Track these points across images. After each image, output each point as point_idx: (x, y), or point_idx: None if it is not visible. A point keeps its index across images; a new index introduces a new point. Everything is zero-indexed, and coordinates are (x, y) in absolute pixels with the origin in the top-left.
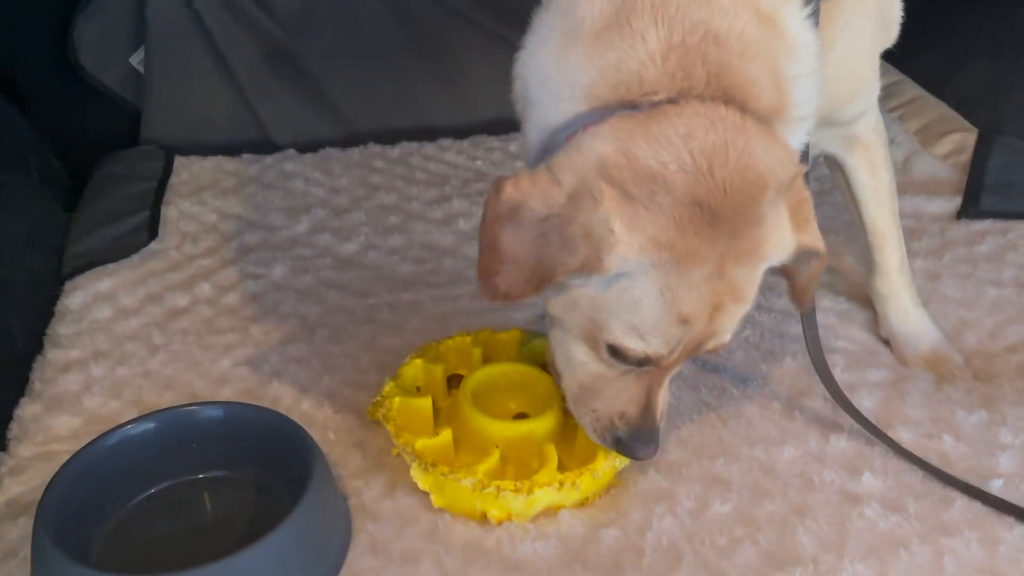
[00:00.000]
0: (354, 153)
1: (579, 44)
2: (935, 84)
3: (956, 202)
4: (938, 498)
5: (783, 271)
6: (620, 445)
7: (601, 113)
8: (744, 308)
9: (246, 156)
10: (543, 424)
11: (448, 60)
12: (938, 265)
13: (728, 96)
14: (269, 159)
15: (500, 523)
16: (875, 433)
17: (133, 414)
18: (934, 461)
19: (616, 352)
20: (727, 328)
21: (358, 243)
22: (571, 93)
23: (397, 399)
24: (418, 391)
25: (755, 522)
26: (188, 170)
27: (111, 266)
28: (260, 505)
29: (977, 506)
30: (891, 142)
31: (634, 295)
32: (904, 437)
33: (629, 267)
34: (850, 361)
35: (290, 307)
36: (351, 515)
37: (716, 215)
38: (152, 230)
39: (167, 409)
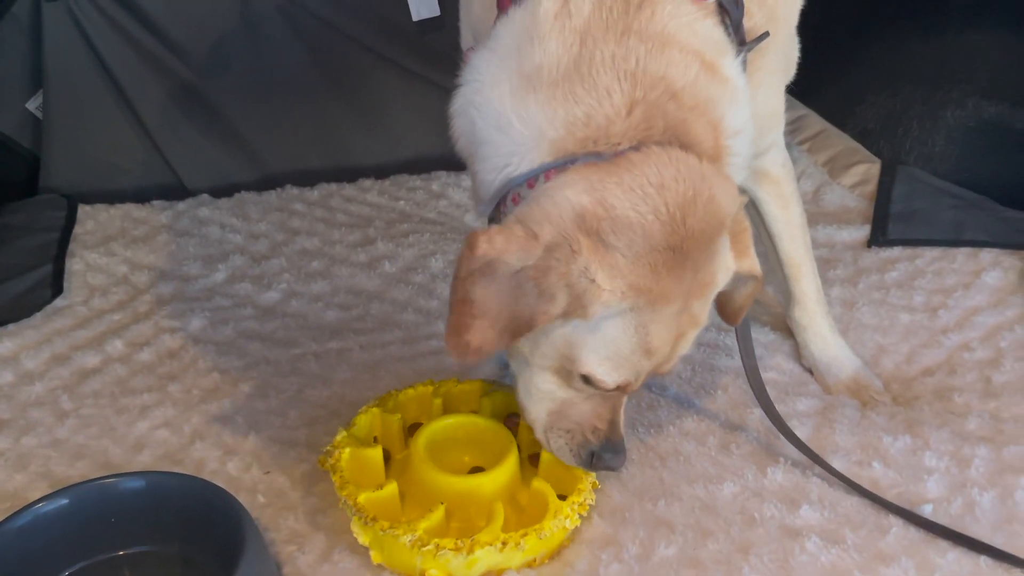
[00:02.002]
0: (271, 196)
1: (538, 91)
2: (837, 118)
3: (866, 231)
4: (874, 527)
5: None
6: (595, 458)
7: (564, 161)
8: (698, 331)
9: (156, 203)
10: (492, 479)
11: (365, 98)
12: (853, 293)
13: (681, 143)
14: (181, 205)
15: None
16: (815, 459)
17: (41, 488)
18: (867, 488)
19: (589, 381)
20: (684, 351)
21: (280, 291)
22: (536, 144)
23: (347, 449)
24: (376, 441)
25: (701, 563)
26: (94, 219)
27: (12, 327)
28: None
29: (912, 532)
30: (801, 174)
31: (611, 334)
32: (836, 465)
33: (610, 311)
34: (780, 391)
35: (210, 362)
36: None
37: (685, 256)
38: (56, 285)
39: (83, 483)
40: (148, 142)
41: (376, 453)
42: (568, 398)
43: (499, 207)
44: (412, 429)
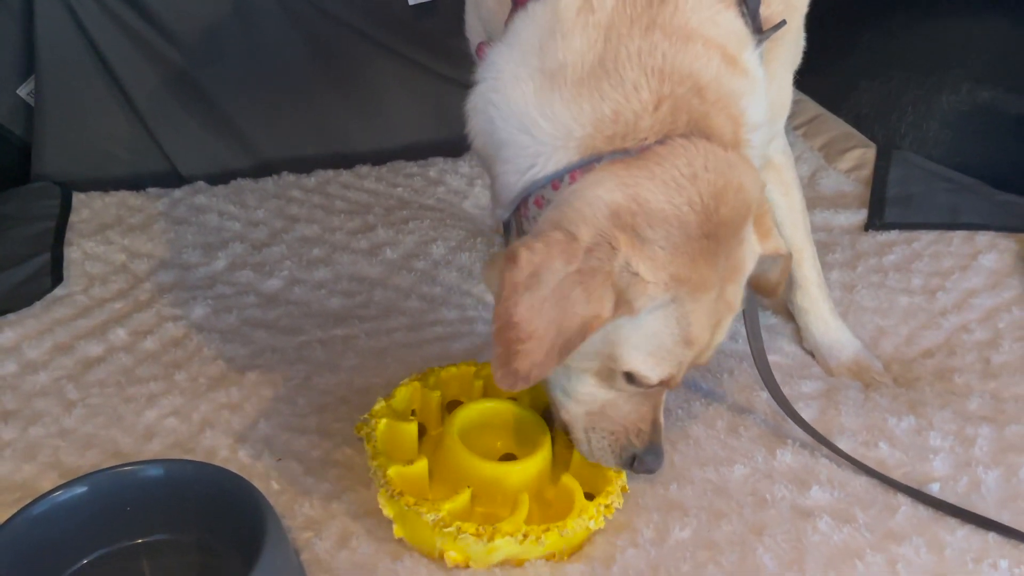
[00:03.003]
0: (268, 183)
1: (564, 89)
2: (832, 103)
3: (862, 215)
4: (883, 506)
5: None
6: (636, 461)
7: (590, 159)
8: (733, 316)
9: (152, 190)
10: (521, 469)
11: (361, 84)
12: (852, 276)
13: (704, 136)
14: (178, 192)
15: (456, 566)
16: (823, 442)
17: (51, 478)
18: (874, 468)
19: (633, 379)
20: (721, 339)
21: (282, 278)
22: (564, 143)
23: (384, 421)
24: (413, 415)
25: (716, 545)
26: (89, 207)
27: (12, 316)
28: (206, 569)
29: (920, 511)
30: (797, 159)
31: (653, 327)
32: (843, 446)
33: (654, 303)
34: (784, 374)
35: (215, 350)
36: (306, 571)
37: (719, 244)
38: (55, 274)
39: (100, 471)
40: (142, 129)
41: (411, 428)
42: (610, 399)
43: (519, 211)
44: (451, 407)
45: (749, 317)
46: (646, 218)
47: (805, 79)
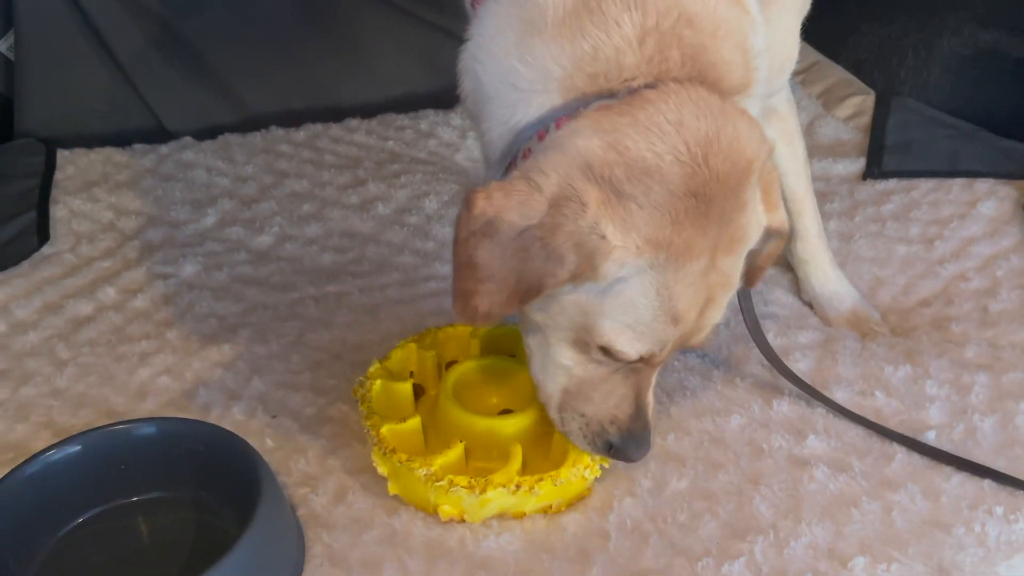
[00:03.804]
0: (256, 138)
1: (544, 33)
2: (831, 49)
3: (861, 163)
4: (879, 454)
5: None
6: (613, 451)
7: (576, 105)
8: (730, 295)
9: (138, 146)
10: (513, 422)
11: (349, 35)
12: (850, 226)
13: (702, 76)
14: (164, 148)
15: (451, 520)
16: (814, 395)
17: (45, 437)
18: (870, 417)
19: (608, 353)
20: (716, 319)
21: (272, 234)
22: (543, 86)
23: (379, 381)
24: (411, 376)
25: (713, 495)
26: (74, 164)
27: None
28: (202, 526)
29: (916, 458)
30: (796, 107)
31: (629, 297)
32: (839, 396)
33: (625, 271)
34: (781, 325)
35: (207, 307)
36: (302, 526)
37: (709, 203)
38: (42, 233)
39: (93, 430)
40: (125, 84)
41: (406, 387)
42: (588, 375)
43: (510, 168)
44: (450, 367)
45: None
46: (625, 169)
47: (803, 25)
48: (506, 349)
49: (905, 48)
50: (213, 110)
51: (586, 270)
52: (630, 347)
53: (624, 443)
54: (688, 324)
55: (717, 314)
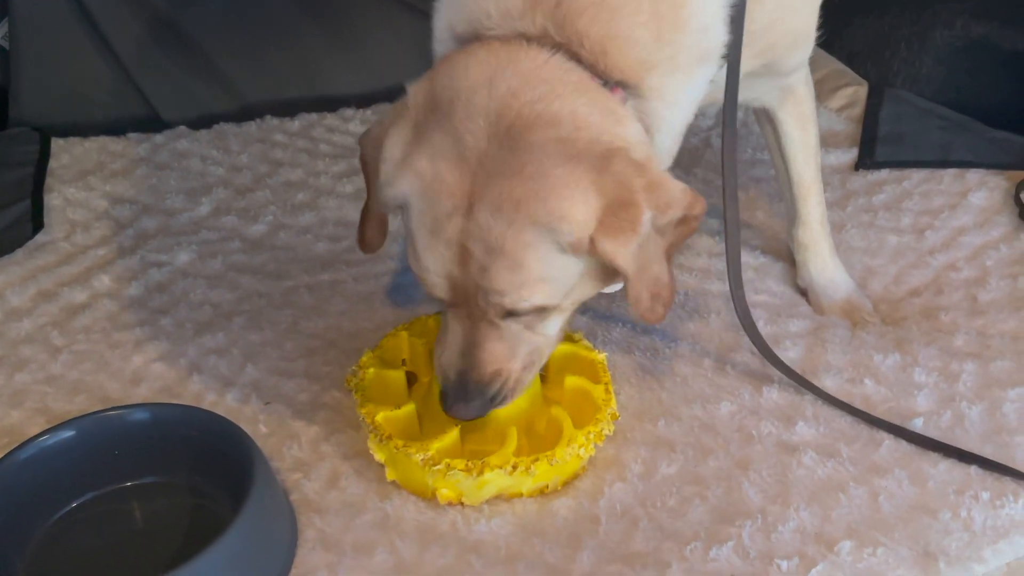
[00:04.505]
0: (251, 128)
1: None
2: (826, 40)
3: (853, 153)
4: (867, 440)
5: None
6: (441, 396)
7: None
8: (514, 273)
9: (132, 135)
10: (507, 407)
11: (345, 25)
12: (842, 216)
13: (575, 43)
14: (159, 137)
15: (450, 503)
16: (803, 384)
17: (39, 423)
18: (859, 405)
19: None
20: (489, 282)
21: (267, 223)
22: (447, 45)
23: (372, 369)
24: (404, 364)
25: (702, 480)
26: (69, 153)
27: None
28: (196, 511)
29: (904, 445)
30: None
31: (408, 224)
32: (828, 384)
33: (404, 194)
34: (772, 313)
35: (201, 295)
36: (295, 511)
37: (484, 157)
38: (36, 221)
39: (87, 415)
40: (121, 73)
41: (399, 375)
42: (446, 320)
43: None
44: None
45: (731, 262)
46: (425, 104)
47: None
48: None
49: (898, 40)
50: (208, 99)
51: (376, 187)
52: (418, 274)
53: (444, 392)
54: (435, 270)
55: (486, 277)
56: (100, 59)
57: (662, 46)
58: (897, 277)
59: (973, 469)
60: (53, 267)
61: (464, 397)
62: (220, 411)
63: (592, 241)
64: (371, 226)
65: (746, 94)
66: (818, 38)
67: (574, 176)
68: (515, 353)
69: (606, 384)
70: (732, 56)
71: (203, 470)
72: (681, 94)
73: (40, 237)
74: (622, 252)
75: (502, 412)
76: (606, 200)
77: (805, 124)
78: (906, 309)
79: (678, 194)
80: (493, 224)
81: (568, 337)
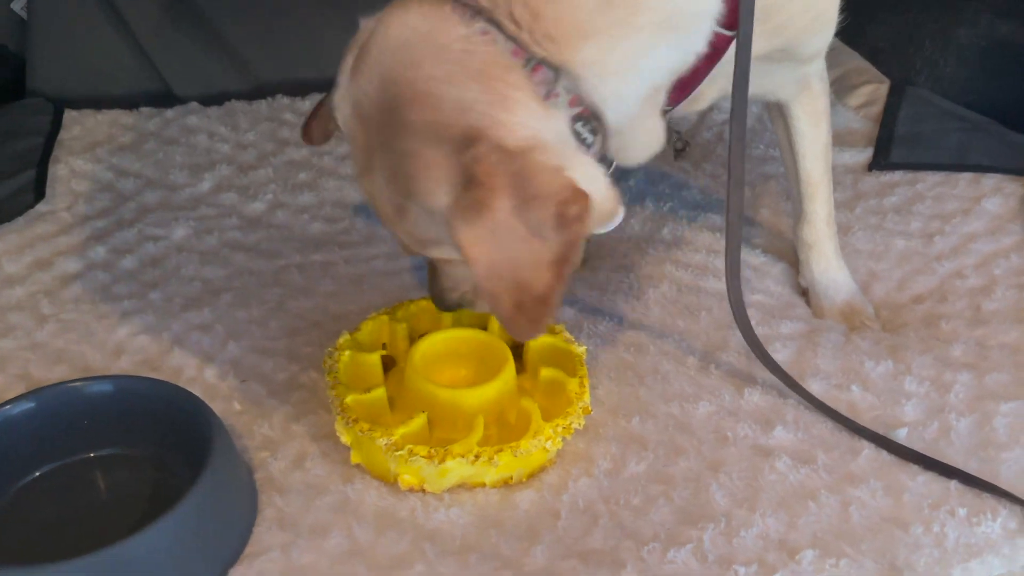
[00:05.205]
0: (262, 106)
1: None
2: (849, 36)
3: (868, 153)
4: (847, 449)
5: None
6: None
7: None
8: (411, 236)
9: (145, 110)
10: (476, 394)
11: (358, 8)
12: (850, 217)
13: (503, 7)
14: (170, 112)
15: (411, 489)
16: (787, 382)
17: (19, 389)
18: (844, 411)
19: None
20: (401, 242)
21: (266, 201)
22: None
23: (347, 352)
24: (384, 348)
25: (670, 479)
26: (80, 124)
27: None
28: (158, 483)
29: (884, 455)
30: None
31: None
32: (815, 388)
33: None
34: (765, 314)
35: (193, 270)
36: (257, 489)
37: (371, 121)
38: (39, 190)
39: (50, 386)
40: (136, 48)
41: (374, 358)
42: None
43: None
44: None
45: (730, 254)
46: (354, 57)
47: None
48: (478, 322)
49: (922, 37)
50: (221, 77)
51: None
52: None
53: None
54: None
55: (395, 235)
56: (116, 33)
57: (610, 7)
58: (901, 282)
59: (953, 484)
60: (51, 236)
61: (440, 303)
62: (197, 387)
63: (448, 222)
64: (320, 122)
65: (760, 85)
66: (840, 22)
67: (436, 158)
68: (458, 287)
69: (581, 378)
70: (742, 31)
71: (167, 443)
72: (635, 68)
73: (42, 206)
74: (467, 234)
75: (470, 402)
76: (461, 180)
77: (818, 121)
78: (907, 316)
79: (552, 187)
80: (384, 189)
81: (550, 329)
